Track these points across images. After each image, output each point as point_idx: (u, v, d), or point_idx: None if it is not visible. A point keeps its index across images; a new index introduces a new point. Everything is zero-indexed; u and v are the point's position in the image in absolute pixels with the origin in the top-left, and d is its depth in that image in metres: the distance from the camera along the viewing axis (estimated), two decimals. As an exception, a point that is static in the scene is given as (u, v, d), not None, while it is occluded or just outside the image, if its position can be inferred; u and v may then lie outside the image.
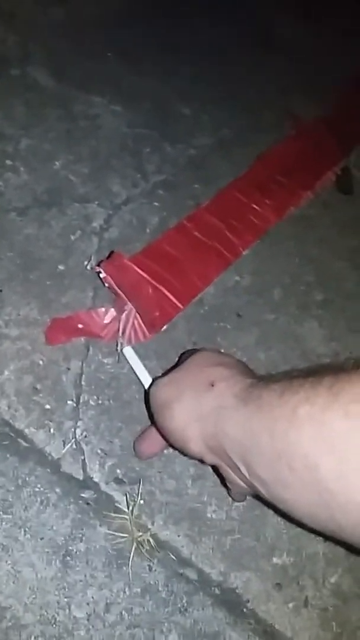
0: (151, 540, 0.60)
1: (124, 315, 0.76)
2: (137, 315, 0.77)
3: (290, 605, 0.61)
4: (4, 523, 0.57)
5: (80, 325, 0.74)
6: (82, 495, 0.61)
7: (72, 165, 0.96)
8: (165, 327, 0.79)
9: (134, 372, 0.70)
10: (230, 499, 0.64)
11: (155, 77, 1.21)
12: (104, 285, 0.78)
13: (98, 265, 0.77)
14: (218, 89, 1.24)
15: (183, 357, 0.59)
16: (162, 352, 0.75)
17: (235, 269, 0.91)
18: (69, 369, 0.70)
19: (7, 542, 0.57)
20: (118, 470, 0.64)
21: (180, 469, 0.66)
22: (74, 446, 0.64)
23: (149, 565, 0.59)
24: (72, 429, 0.65)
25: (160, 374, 0.64)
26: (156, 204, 0.96)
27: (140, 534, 0.60)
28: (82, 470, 0.63)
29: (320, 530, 0.40)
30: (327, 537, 0.43)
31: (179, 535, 0.61)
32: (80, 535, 0.59)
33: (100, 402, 0.69)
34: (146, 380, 0.68)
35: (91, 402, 0.68)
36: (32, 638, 0.53)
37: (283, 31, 1.48)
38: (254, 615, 0.59)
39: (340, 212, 1.09)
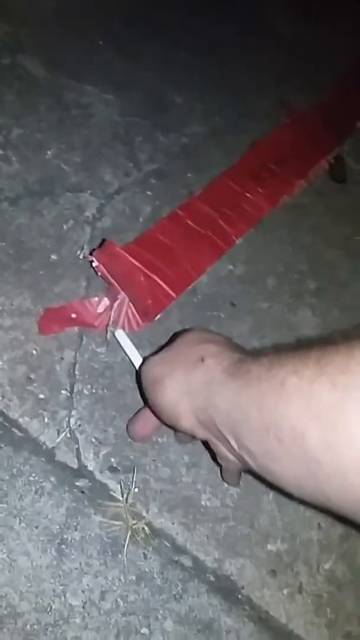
0: (146, 528, 0.60)
1: (116, 304, 0.75)
2: (131, 304, 0.76)
3: (285, 591, 0.61)
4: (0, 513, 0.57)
5: (73, 315, 0.73)
6: (77, 484, 0.61)
7: (64, 154, 0.95)
8: (158, 316, 0.78)
9: (126, 354, 0.70)
10: (225, 486, 0.64)
11: (148, 66, 1.19)
12: (97, 274, 0.77)
13: (90, 254, 0.76)
14: (211, 78, 1.22)
15: (173, 337, 0.59)
16: (156, 341, 0.75)
17: (229, 257, 0.91)
18: (62, 358, 0.70)
19: (2, 531, 0.56)
20: (112, 459, 0.64)
21: (174, 457, 0.66)
22: (68, 435, 0.64)
23: (143, 553, 0.59)
24: (67, 418, 0.65)
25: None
26: (149, 193, 0.95)
27: (135, 521, 0.60)
28: (76, 459, 0.63)
29: (308, 501, 0.41)
30: (317, 508, 0.43)
31: (173, 523, 0.61)
32: (75, 524, 0.58)
33: (94, 391, 0.68)
34: (137, 361, 0.68)
35: (85, 392, 0.68)
36: (28, 626, 0.53)
37: (277, 21, 1.47)
38: (248, 601, 0.59)
39: (334, 200, 1.09)
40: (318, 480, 0.38)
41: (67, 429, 0.64)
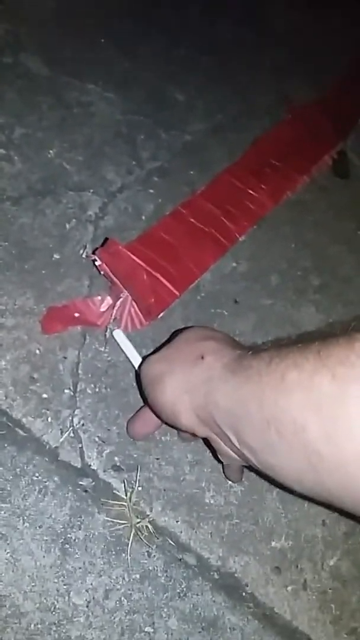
0: (150, 526, 0.59)
1: (119, 303, 0.74)
2: (134, 303, 0.75)
3: (289, 588, 0.60)
4: (2, 512, 0.57)
5: (76, 314, 0.73)
6: (81, 483, 0.61)
7: (67, 153, 0.94)
8: (161, 314, 0.77)
9: (124, 354, 0.69)
10: (228, 483, 0.64)
11: (149, 63, 1.18)
12: (100, 273, 0.77)
13: (93, 253, 0.76)
14: (211, 76, 1.21)
15: (173, 335, 0.58)
16: (159, 340, 0.74)
17: (232, 255, 0.90)
18: (65, 357, 0.69)
19: (5, 531, 0.56)
20: (116, 458, 0.63)
21: (178, 456, 0.65)
22: (72, 434, 0.63)
23: (147, 552, 0.58)
24: (70, 418, 0.64)
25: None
26: (151, 190, 0.94)
27: (139, 520, 0.59)
28: (80, 458, 0.62)
29: (309, 495, 0.40)
30: (318, 502, 0.42)
31: (177, 521, 0.61)
32: (79, 523, 0.58)
33: (97, 390, 0.67)
34: (136, 361, 0.67)
35: (88, 391, 0.67)
36: (32, 625, 0.53)
37: (278, 16, 1.45)
38: (253, 599, 0.59)
39: (337, 196, 1.08)
40: (319, 474, 0.37)
41: (71, 428, 0.63)
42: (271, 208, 0.99)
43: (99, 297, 0.75)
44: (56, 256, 0.79)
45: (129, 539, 0.58)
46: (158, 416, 0.54)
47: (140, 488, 0.61)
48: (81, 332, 0.72)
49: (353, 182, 1.11)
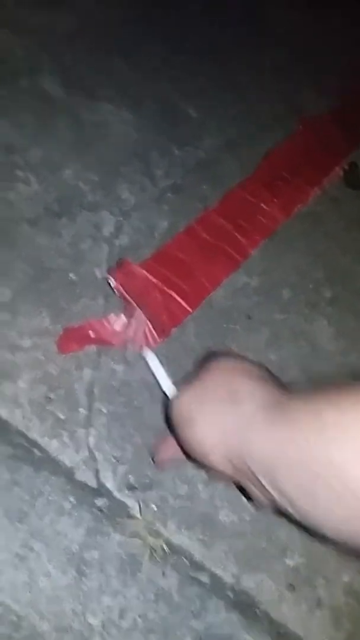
0: (164, 545, 0.58)
1: (133, 322, 0.74)
2: (147, 321, 0.75)
3: (303, 605, 0.59)
4: (19, 533, 0.56)
5: (91, 334, 0.72)
6: (96, 502, 0.60)
7: (82, 173, 0.94)
8: (174, 330, 0.76)
9: (154, 377, 0.62)
10: (242, 502, 0.62)
11: (162, 81, 1.17)
12: (114, 292, 0.76)
13: (108, 273, 0.75)
14: (223, 90, 1.20)
15: (204, 363, 0.53)
16: (173, 357, 0.74)
17: (244, 269, 0.89)
18: (81, 377, 0.69)
19: (23, 552, 0.56)
20: (130, 477, 0.62)
21: (192, 474, 0.64)
22: (87, 454, 0.63)
23: (162, 571, 0.58)
24: (85, 437, 0.64)
25: (176, 380, 0.60)
26: (165, 207, 0.94)
27: (154, 539, 0.58)
28: (95, 478, 0.62)
29: (349, 545, 0.37)
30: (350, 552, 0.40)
31: (191, 540, 0.60)
32: (94, 543, 0.58)
33: (112, 409, 0.67)
34: (166, 385, 0.60)
35: (103, 410, 0.67)
36: (50, 645, 0.52)
37: (285, 28, 1.43)
38: (267, 617, 0.58)
39: (348, 207, 1.05)
40: None
41: (86, 447, 0.63)
42: (283, 221, 0.97)
43: (114, 316, 0.74)
44: (72, 276, 0.79)
45: (143, 559, 0.57)
46: (187, 454, 0.50)
47: (154, 507, 0.61)
48: (96, 351, 0.72)
49: (365, 192, 1.09)
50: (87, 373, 0.69)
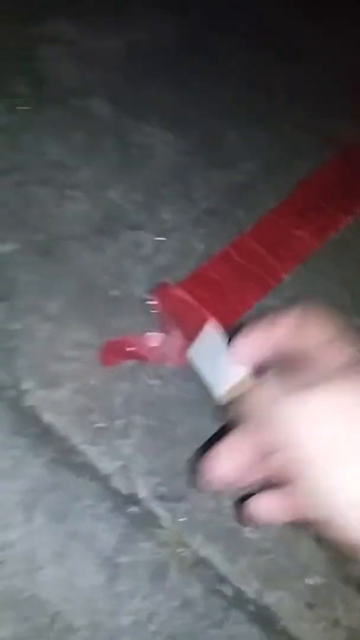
0: (191, 556, 0.61)
1: (170, 339, 0.76)
2: (182, 340, 0.77)
3: (322, 624, 0.61)
4: (59, 532, 0.59)
5: (130, 349, 0.75)
6: (129, 510, 0.63)
7: (127, 193, 0.97)
8: (208, 350, 0.79)
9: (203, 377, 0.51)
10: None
11: (202, 103, 1.20)
12: (153, 310, 0.79)
13: (148, 293, 0.78)
14: (261, 114, 1.22)
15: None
16: (205, 375, 0.76)
17: (275, 294, 0.91)
18: (119, 390, 0.72)
19: (61, 551, 0.59)
20: (162, 488, 0.65)
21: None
22: (123, 463, 0.65)
23: (188, 580, 0.60)
24: (122, 447, 0.67)
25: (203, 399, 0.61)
26: (202, 230, 0.96)
27: (181, 549, 0.61)
28: (129, 487, 0.64)
29: None
30: None
31: (216, 553, 0.62)
32: (127, 548, 0.60)
33: (147, 422, 0.70)
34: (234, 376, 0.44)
35: (139, 422, 0.69)
36: (82, 642, 0.55)
37: (324, 56, 1.45)
38: (286, 632, 0.59)
39: (379, 236, 1.07)
40: None
41: (122, 457, 0.66)
42: (315, 248, 0.99)
43: (151, 333, 0.77)
44: (113, 292, 0.82)
45: (171, 567, 0.59)
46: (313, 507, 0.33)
47: (183, 519, 0.63)
48: (133, 366, 0.75)
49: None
50: (125, 386, 0.72)
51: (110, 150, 1.04)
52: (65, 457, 0.65)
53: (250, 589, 0.61)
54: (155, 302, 0.76)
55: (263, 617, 0.60)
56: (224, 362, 0.44)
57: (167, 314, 0.77)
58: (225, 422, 0.39)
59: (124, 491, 0.64)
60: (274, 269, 0.93)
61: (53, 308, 0.77)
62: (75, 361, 0.73)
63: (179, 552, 0.60)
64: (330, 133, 1.23)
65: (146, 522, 0.62)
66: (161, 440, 0.68)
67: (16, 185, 0.92)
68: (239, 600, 0.60)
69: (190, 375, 0.74)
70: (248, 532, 0.64)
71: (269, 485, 0.35)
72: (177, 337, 0.77)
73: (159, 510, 0.63)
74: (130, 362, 0.75)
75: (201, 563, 0.61)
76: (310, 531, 0.45)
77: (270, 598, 0.61)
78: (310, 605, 0.61)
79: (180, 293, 0.81)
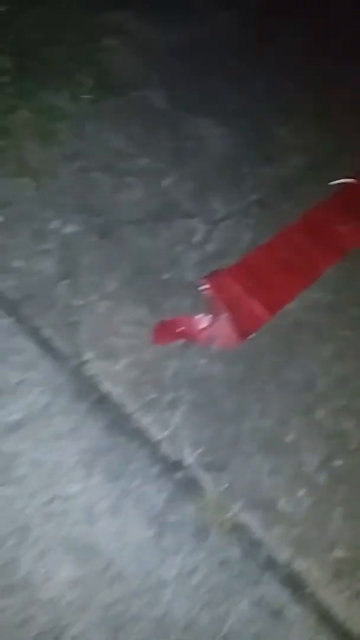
0: (231, 521, 0.65)
1: (218, 322, 0.80)
2: (230, 323, 0.81)
3: (346, 593, 0.64)
4: (114, 490, 0.64)
5: (181, 329, 0.79)
6: (176, 474, 0.67)
7: (180, 183, 1.00)
8: (252, 335, 0.82)
9: None
10: (300, 494, 0.68)
11: (257, 98, 1.21)
12: (202, 294, 0.82)
13: (200, 278, 0.82)
14: (314, 115, 1.22)
15: None
16: (248, 358, 0.79)
17: (318, 285, 0.93)
18: (169, 366, 0.76)
19: (115, 506, 0.63)
20: (206, 458, 0.69)
21: (258, 464, 0.70)
22: (171, 432, 0.70)
23: (227, 542, 0.64)
24: (171, 417, 0.71)
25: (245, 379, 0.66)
26: (250, 220, 0.99)
27: (222, 514, 0.65)
28: (176, 454, 0.68)
29: None
30: None
31: (254, 520, 0.66)
32: (173, 509, 0.65)
33: (194, 397, 0.74)
34: None
35: (186, 396, 0.73)
36: (132, 587, 0.60)
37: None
38: (313, 598, 0.63)
39: None
40: None
41: (171, 427, 0.70)
42: (359, 243, 1.01)
43: (201, 315, 0.81)
44: (166, 276, 0.86)
45: (212, 529, 0.64)
46: None
47: (225, 487, 0.67)
48: (183, 345, 0.79)
49: None
50: (175, 363, 0.76)
51: (165, 141, 1.07)
52: (120, 423, 0.70)
53: (282, 555, 0.65)
54: (206, 287, 0.80)
55: (293, 582, 0.64)
56: None
57: (217, 298, 0.81)
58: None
59: (172, 457, 0.68)
60: (317, 262, 0.95)
61: (111, 287, 0.82)
62: (130, 337, 0.77)
63: (220, 516, 0.65)
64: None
65: (191, 487, 0.67)
66: (206, 414, 0.72)
67: (80, 171, 0.97)
68: (271, 564, 0.64)
69: (236, 356, 0.78)
70: (282, 504, 0.68)
71: None
72: (224, 321, 0.81)
73: (203, 477, 0.67)
74: (180, 341, 0.79)
75: (240, 528, 0.65)
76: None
77: (300, 565, 0.64)
78: (336, 575, 0.65)
79: (229, 280, 0.85)
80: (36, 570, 0.60)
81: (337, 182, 0.76)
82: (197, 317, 0.80)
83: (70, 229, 0.88)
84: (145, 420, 0.70)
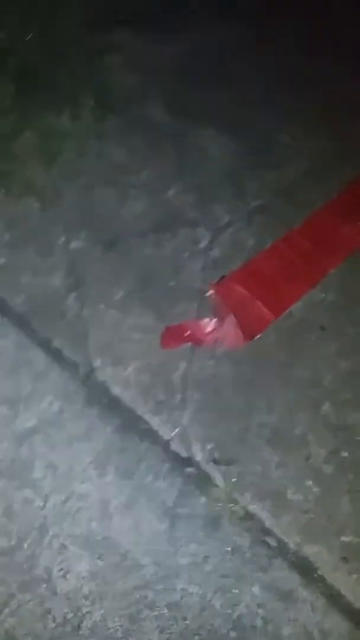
0: (241, 511, 0.73)
1: (224, 325, 0.89)
2: (236, 326, 0.89)
3: (354, 576, 0.71)
4: (127, 487, 0.73)
5: (188, 333, 0.88)
6: (187, 470, 0.75)
7: (183, 193, 1.10)
8: (258, 336, 0.90)
9: None
10: (308, 484, 0.75)
11: (258, 107, 1.30)
12: (208, 300, 0.91)
13: (208, 286, 0.91)
14: (314, 120, 1.30)
15: None
16: (255, 358, 0.87)
17: (322, 286, 1.01)
18: (177, 368, 0.84)
19: (129, 502, 0.72)
20: (216, 454, 0.77)
21: (266, 457, 0.78)
22: (181, 431, 0.78)
23: (238, 531, 0.72)
24: (180, 417, 0.79)
25: (251, 378, 0.75)
26: (254, 226, 1.08)
27: (232, 505, 0.73)
28: (186, 451, 0.77)
29: None
30: None
31: (263, 510, 0.74)
32: (185, 502, 0.73)
33: (202, 396, 0.82)
34: None
35: (195, 396, 0.82)
36: (147, 575, 0.68)
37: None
38: (322, 580, 0.70)
39: None
40: None
41: (180, 426, 0.78)
42: (360, 244, 1.08)
43: (207, 320, 0.89)
44: (172, 283, 0.95)
45: (223, 519, 0.72)
46: None
47: (234, 479, 0.75)
48: (190, 348, 0.87)
49: None
50: (183, 365, 0.85)
51: (167, 153, 1.17)
52: (131, 424, 0.78)
53: (291, 541, 0.72)
54: (211, 292, 0.89)
55: (302, 566, 0.71)
56: None
57: (222, 302, 0.90)
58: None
59: (182, 454, 0.77)
60: (320, 264, 1.03)
61: (118, 296, 0.91)
62: (138, 343, 0.86)
63: (230, 507, 0.73)
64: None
65: (201, 480, 0.75)
66: (215, 412, 0.81)
67: (84, 188, 1.07)
68: (281, 550, 0.72)
69: (242, 357, 0.86)
70: (291, 494, 0.75)
71: None
72: (230, 323, 0.90)
73: (213, 471, 0.76)
74: (187, 345, 0.88)
75: (250, 517, 0.73)
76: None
77: (310, 550, 0.72)
78: (344, 560, 0.72)
79: (234, 284, 0.94)
80: (54, 565, 0.69)
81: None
82: (204, 321, 0.88)
83: (76, 244, 0.98)
84: (155, 421, 0.79)
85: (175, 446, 0.76)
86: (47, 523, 0.71)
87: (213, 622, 0.66)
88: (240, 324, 0.89)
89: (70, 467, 0.75)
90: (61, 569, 0.68)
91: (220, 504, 0.72)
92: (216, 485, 0.74)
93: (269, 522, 0.73)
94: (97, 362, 0.84)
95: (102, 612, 0.66)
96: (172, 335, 0.87)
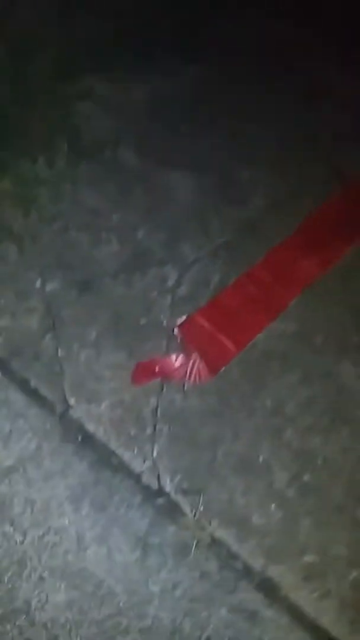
0: (208, 538, 0.76)
1: (191, 362, 0.93)
2: (202, 361, 0.94)
3: (316, 594, 0.75)
4: (101, 519, 0.76)
5: (157, 369, 0.92)
6: (157, 501, 0.79)
7: (152, 233, 1.14)
8: (222, 369, 0.95)
9: None
10: (272, 508, 0.79)
11: (221, 145, 1.36)
12: (176, 336, 0.96)
13: (175, 325, 0.95)
14: (273, 152, 1.35)
15: None
16: (220, 390, 0.92)
17: (283, 317, 1.05)
18: (148, 403, 0.88)
19: (103, 533, 0.75)
20: (184, 484, 0.81)
21: (232, 484, 0.82)
22: (151, 464, 0.82)
23: (206, 557, 0.75)
24: (150, 451, 0.83)
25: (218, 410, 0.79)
26: (218, 262, 1.12)
27: (200, 532, 0.76)
28: (157, 482, 0.80)
29: None
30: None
31: (229, 535, 0.77)
32: (156, 531, 0.76)
33: (171, 429, 0.86)
34: None
35: (165, 430, 0.86)
36: (121, 603, 0.71)
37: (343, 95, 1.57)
38: (286, 599, 0.74)
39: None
40: None
41: (151, 459, 0.82)
42: (320, 276, 1.14)
43: (175, 356, 0.93)
44: (142, 321, 0.99)
45: (192, 546, 0.75)
46: None
47: (202, 508, 0.78)
48: (160, 383, 0.91)
49: None
50: (153, 400, 0.89)
51: (138, 195, 1.22)
52: (105, 459, 0.82)
53: (256, 564, 0.76)
54: (178, 329, 0.93)
55: (267, 587, 0.75)
56: None
57: (188, 340, 0.94)
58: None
59: (153, 486, 0.80)
60: (281, 296, 1.08)
61: (92, 336, 0.95)
62: (111, 380, 0.90)
63: (198, 534, 0.76)
64: (338, 168, 1.37)
65: (171, 510, 0.78)
66: (183, 444, 0.85)
67: (59, 231, 1.11)
68: (247, 572, 0.75)
69: (208, 390, 0.90)
70: (255, 519, 0.79)
71: None
72: (196, 359, 0.94)
73: (181, 501, 0.79)
74: (157, 380, 0.92)
75: (217, 543, 0.76)
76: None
77: (274, 571, 0.75)
78: (307, 578, 0.76)
79: (199, 320, 0.98)
80: (33, 597, 0.72)
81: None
82: (172, 357, 0.93)
83: (51, 286, 1.02)
84: (127, 455, 0.82)
85: (146, 478, 0.80)
86: (26, 557, 0.75)
87: (184, 644, 0.70)
88: (205, 359, 0.93)
89: (48, 503, 0.78)
90: (39, 600, 0.71)
91: (189, 532, 0.76)
92: (185, 515, 0.77)
93: (235, 547, 0.77)
94: (72, 400, 0.88)
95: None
96: (143, 372, 0.91)
